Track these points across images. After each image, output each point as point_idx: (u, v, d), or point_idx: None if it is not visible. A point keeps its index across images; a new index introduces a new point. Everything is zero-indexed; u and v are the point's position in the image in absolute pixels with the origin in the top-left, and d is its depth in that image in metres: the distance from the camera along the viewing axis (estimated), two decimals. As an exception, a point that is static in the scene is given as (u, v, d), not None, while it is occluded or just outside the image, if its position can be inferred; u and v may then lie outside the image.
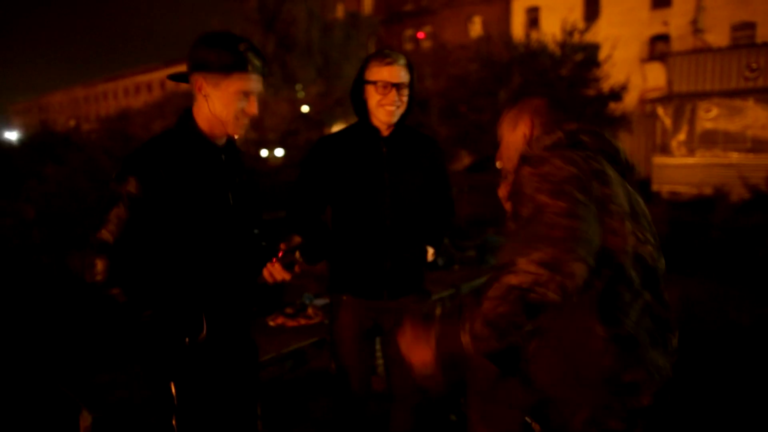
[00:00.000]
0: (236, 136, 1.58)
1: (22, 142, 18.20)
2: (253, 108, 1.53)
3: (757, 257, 6.24)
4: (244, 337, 1.73)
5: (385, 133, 1.98)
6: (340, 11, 24.26)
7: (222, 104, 1.48)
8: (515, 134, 1.43)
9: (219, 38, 1.48)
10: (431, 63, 24.98)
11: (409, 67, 1.95)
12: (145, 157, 1.43)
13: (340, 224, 2.03)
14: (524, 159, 1.29)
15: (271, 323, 2.95)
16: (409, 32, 30.27)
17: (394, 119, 1.94)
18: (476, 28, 27.36)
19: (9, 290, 5.24)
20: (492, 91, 13.03)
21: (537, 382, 1.27)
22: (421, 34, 29.49)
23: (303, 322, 2.85)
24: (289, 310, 2.99)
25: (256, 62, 1.50)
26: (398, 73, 1.89)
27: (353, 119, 2.10)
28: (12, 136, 26.11)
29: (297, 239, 1.66)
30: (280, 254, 1.62)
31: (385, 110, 1.90)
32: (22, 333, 4.12)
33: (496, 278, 1.03)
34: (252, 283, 1.69)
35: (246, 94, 1.50)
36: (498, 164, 1.52)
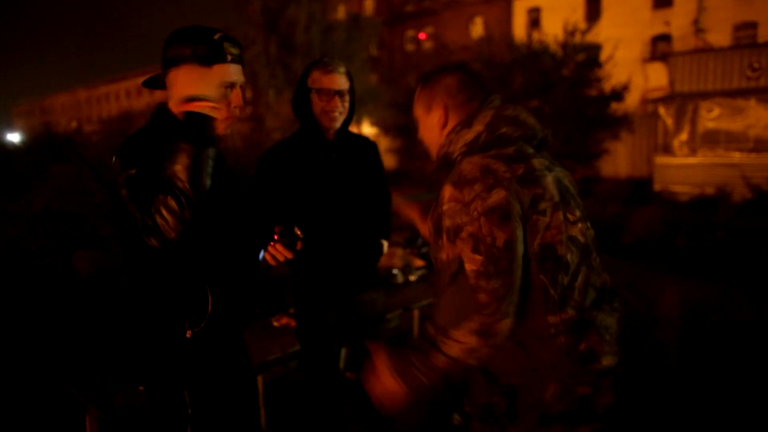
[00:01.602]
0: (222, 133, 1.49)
1: (25, 144, 18.23)
2: (239, 99, 1.47)
3: (760, 257, 6.25)
4: (240, 337, 1.69)
5: (331, 137, 2.06)
6: (341, 13, 24.27)
7: None
8: (430, 117, 1.38)
9: (192, 32, 1.41)
10: (433, 64, 24.96)
11: (348, 75, 2.04)
12: (145, 149, 1.35)
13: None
14: (447, 169, 1.27)
15: (276, 324, 2.97)
16: (410, 33, 30.29)
17: (338, 125, 2.04)
18: (478, 28, 27.38)
19: (15, 291, 5.26)
20: (494, 92, 13.02)
21: (501, 377, 1.31)
22: (422, 35, 29.52)
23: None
24: (293, 311, 3.01)
25: (234, 51, 1.44)
26: (338, 80, 1.99)
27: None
28: (14, 138, 26.17)
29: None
30: (276, 236, 1.60)
31: (329, 116, 1.99)
32: (28, 333, 4.15)
33: (436, 345, 1.17)
34: (248, 275, 1.65)
35: (229, 86, 1.44)
36: (419, 137, 1.47)
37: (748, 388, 3.24)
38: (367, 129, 23.71)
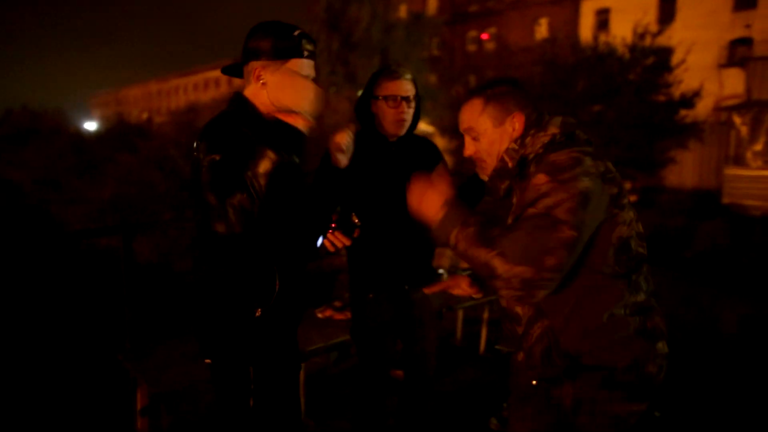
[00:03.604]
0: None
1: (100, 132, 19.36)
2: None
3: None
4: (298, 321, 1.75)
5: (392, 139, 2.12)
6: (403, 12, 24.31)
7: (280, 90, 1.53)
8: (503, 128, 1.42)
9: (274, 26, 1.54)
10: (494, 65, 24.65)
11: (414, 82, 2.10)
12: (229, 135, 1.44)
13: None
14: (537, 163, 1.32)
15: (320, 315, 3.03)
16: (473, 33, 29.94)
17: (403, 132, 2.10)
18: (542, 30, 26.72)
19: (77, 270, 5.60)
20: (556, 95, 12.68)
21: (573, 353, 1.35)
22: (485, 36, 29.12)
23: (350, 316, 2.91)
24: (337, 304, 3.06)
25: (309, 47, 1.57)
26: (405, 86, 2.05)
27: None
28: (91, 126, 27.79)
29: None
30: (334, 224, 1.66)
31: (396, 123, 2.05)
32: (86, 311, 4.41)
33: (491, 245, 1.19)
34: (309, 259, 1.72)
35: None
36: (470, 154, 1.51)
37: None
38: (424, 128, 23.66)
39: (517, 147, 1.40)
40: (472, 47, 29.99)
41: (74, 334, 4.03)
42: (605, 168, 1.29)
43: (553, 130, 1.37)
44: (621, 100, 12.05)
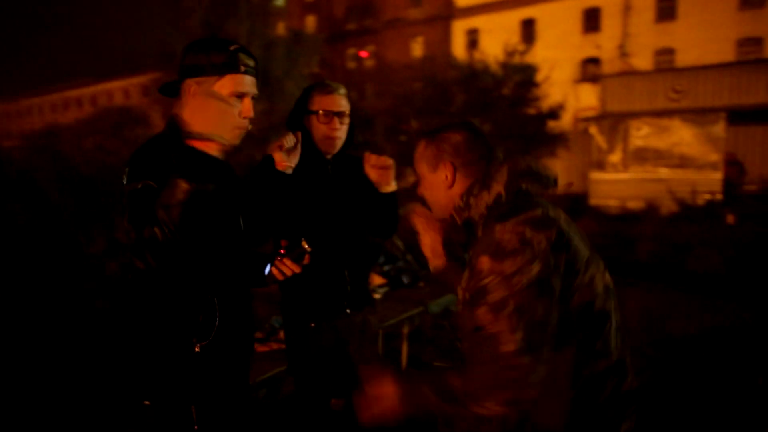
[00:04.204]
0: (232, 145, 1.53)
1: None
2: (249, 110, 1.48)
3: (684, 265, 6.72)
4: (248, 353, 1.68)
5: (328, 156, 2.05)
6: (281, 29, 24.12)
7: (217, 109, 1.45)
8: (437, 175, 1.32)
9: (208, 42, 1.46)
10: (375, 81, 25.28)
11: (348, 98, 2.03)
12: (154, 162, 1.36)
13: None
14: (485, 227, 1.21)
15: (240, 349, 2.83)
16: (352, 51, 30.53)
17: (336, 149, 2.02)
18: (418, 48, 27.98)
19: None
20: (438, 110, 13.30)
21: (542, 425, 1.25)
22: (364, 53, 29.83)
23: (275, 346, 2.75)
24: (258, 335, 2.87)
25: (249, 62, 1.47)
26: (339, 101, 1.98)
27: None
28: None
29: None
30: (282, 251, 1.57)
31: (329, 141, 1.98)
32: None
33: (464, 404, 1.12)
34: (254, 287, 1.63)
35: (240, 96, 1.46)
36: (420, 194, 1.42)
37: (691, 398, 3.36)
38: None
39: (462, 205, 1.28)
40: (352, 64, 30.55)
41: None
42: (557, 234, 1.15)
43: (498, 188, 1.24)
44: (496, 114, 12.95)
